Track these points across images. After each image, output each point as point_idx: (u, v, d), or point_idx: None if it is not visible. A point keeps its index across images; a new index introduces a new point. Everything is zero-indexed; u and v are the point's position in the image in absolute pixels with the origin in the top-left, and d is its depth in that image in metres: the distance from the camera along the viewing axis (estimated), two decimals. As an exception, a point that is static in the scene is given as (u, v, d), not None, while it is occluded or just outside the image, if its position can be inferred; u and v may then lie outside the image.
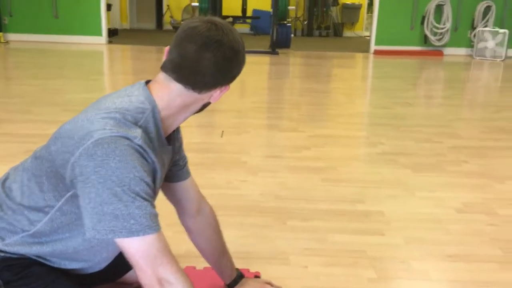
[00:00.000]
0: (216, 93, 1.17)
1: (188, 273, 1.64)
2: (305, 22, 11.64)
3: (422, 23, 8.13)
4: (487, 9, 8.00)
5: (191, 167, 2.55)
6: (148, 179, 1.06)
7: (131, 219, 1.01)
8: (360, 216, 2.13)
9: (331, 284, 1.63)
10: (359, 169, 2.71)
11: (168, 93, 1.13)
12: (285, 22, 8.26)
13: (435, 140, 3.28)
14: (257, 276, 1.64)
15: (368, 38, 9.18)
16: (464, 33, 8.19)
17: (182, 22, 8.47)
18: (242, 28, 10.99)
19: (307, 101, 4.54)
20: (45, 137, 1.32)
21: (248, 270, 1.67)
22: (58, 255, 1.19)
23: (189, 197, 1.43)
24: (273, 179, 2.51)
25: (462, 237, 1.98)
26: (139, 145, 1.06)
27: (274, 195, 2.30)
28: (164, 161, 1.23)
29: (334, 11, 11.66)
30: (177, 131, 1.36)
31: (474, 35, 7.98)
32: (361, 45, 9.42)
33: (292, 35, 8.58)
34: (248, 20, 10.54)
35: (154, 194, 1.14)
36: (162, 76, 1.15)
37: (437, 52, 8.17)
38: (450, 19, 8.03)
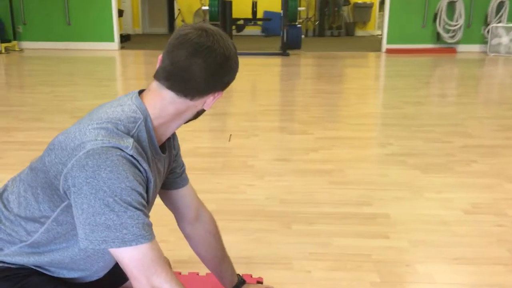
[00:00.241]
0: (209, 100, 1.17)
1: (191, 279, 1.66)
2: (317, 23, 11.61)
3: (434, 20, 8.05)
4: (501, 4, 7.88)
5: (198, 172, 2.57)
6: (140, 189, 1.06)
7: (124, 229, 1.02)
8: (365, 219, 2.11)
9: (333, 289, 1.63)
10: (367, 171, 2.69)
11: (161, 101, 1.14)
12: (296, 23, 8.25)
13: (445, 140, 3.24)
14: (259, 281, 1.64)
15: (380, 37, 9.12)
16: (477, 29, 8.08)
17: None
18: (253, 30, 11.01)
19: (317, 103, 4.52)
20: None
21: (250, 276, 1.67)
22: (56, 265, 1.20)
23: (187, 204, 1.43)
24: (279, 183, 2.50)
25: (469, 239, 1.95)
26: (131, 155, 1.06)
27: (279, 199, 2.30)
28: (160, 169, 1.24)
29: (346, 11, 11.60)
30: (173, 138, 1.36)
31: (488, 31, 7.87)
32: (373, 44, 9.36)
33: (304, 36, 8.57)
34: (259, 22, 10.56)
35: (148, 203, 1.14)
36: (155, 85, 1.15)
37: (450, 50, 8.08)
38: (463, 16, 7.93)
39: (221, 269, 1.50)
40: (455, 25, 7.96)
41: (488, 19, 7.97)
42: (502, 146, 3.13)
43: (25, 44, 8.33)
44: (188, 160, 2.77)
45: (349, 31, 11.75)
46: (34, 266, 1.19)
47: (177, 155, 1.41)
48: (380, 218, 2.12)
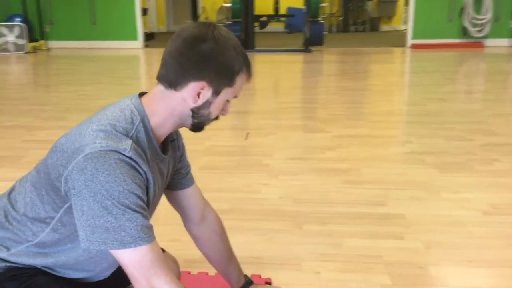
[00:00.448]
0: (193, 90, 1.10)
1: (200, 279, 1.66)
2: (341, 18, 11.49)
3: (461, 14, 7.87)
4: (531, -3, 7.65)
5: (214, 170, 2.57)
6: (139, 191, 1.07)
7: (122, 231, 1.03)
8: (379, 220, 2.08)
9: (343, 290, 1.61)
10: (384, 170, 2.65)
11: (154, 98, 1.15)
12: (318, 19, 8.18)
13: (467, 138, 3.17)
14: (268, 282, 1.63)
15: (405, 32, 8.97)
16: (505, 23, 7.86)
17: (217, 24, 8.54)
18: (276, 27, 10.95)
19: (338, 100, 4.48)
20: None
21: (259, 276, 1.66)
22: (61, 266, 1.22)
23: (193, 205, 1.43)
24: (294, 182, 2.48)
25: (486, 241, 1.90)
26: (129, 157, 1.07)
27: (293, 199, 2.28)
28: (162, 170, 1.24)
29: (370, 6, 11.45)
30: (177, 139, 1.36)
31: (517, 25, 7.65)
32: (398, 39, 9.21)
33: (327, 31, 8.51)
34: (282, 19, 10.51)
35: (149, 205, 1.15)
36: (154, 86, 1.16)
37: (477, 44, 7.88)
38: (490, 9, 7.72)
39: (228, 270, 1.50)
40: (483, 19, 7.76)
41: (518, 12, 7.74)
42: (527, 144, 3.04)
43: (52, 44, 8.51)
44: (204, 159, 2.80)
45: (373, 26, 11.60)
46: (41, 266, 1.21)
47: (182, 155, 1.41)
48: (395, 219, 2.08)
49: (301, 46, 8.08)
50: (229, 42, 1.10)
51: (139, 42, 8.39)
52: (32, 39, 8.14)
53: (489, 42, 7.88)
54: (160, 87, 1.13)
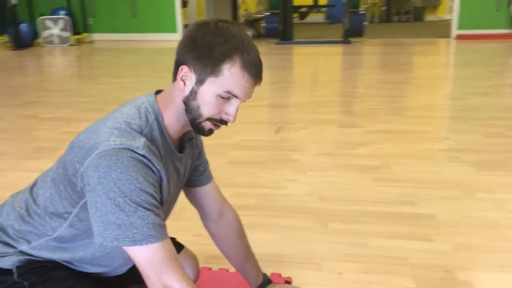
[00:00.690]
0: (178, 75, 1.09)
1: (220, 275, 1.66)
2: (383, 8, 11.22)
3: (510, 4, 7.51)
4: None
5: (242, 165, 2.57)
6: (151, 189, 1.07)
7: (133, 228, 1.04)
8: (407, 220, 2.02)
9: (364, 292, 1.57)
10: (416, 168, 2.57)
11: (165, 95, 1.16)
12: (359, 9, 8.01)
13: (507, 135, 3.03)
14: (288, 281, 1.62)
15: (450, 22, 8.66)
16: (559, 12, 7.46)
17: (255, 15, 8.52)
18: (317, 17, 10.82)
19: (375, 94, 4.38)
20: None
21: (279, 275, 1.65)
22: (78, 260, 1.24)
23: (210, 202, 1.43)
24: (322, 179, 2.45)
25: (520, 245, 1.81)
26: (142, 155, 1.07)
27: (319, 196, 2.25)
28: (178, 168, 1.24)
29: (414, -5, 11.12)
30: (196, 137, 1.36)
31: None
32: (443, 29, 8.91)
33: (369, 22, 8.34)
34: (323, 9, 10.36)
35: (162, 203, 1.15)
36: None
37: (527, 35, 7.52)
38: (542, -2, 7.35)
39: (246, 268, 1.49)
40: (534, 8, 7.39)
41: None
42: None
43: (95, 36, 8.72)
44: (233, 153, 2.80)
45: (418, 16, 11.26)
46: (59, 260, 1.24)
47: (201, 153, 1.40)
48: (424, 219, 2.02)
49: (340, 38, 7.95)
50: (225, 31, 1.04)
51: (178, 34, 8.48)
52: (75, 32, 8.36)
53: (540, 32, 7.51)
54: (171, 83, 1.13)
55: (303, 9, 9.03)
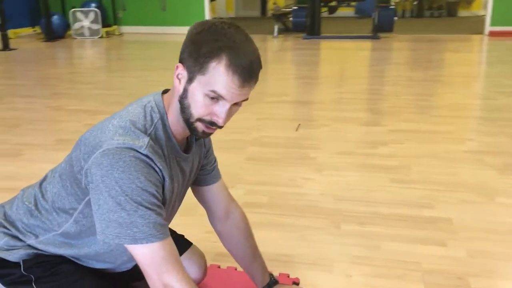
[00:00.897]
0: (175, 72, 1.10)
1: (228, 273, 1.67)
2: (415, 2, 10.98)
3: (547, -1, 7.25)
4: None
5: (258, 162, 2.56)
6: (153, 189, 1.08)
7: (134, 227, 1.05)
8: (423, 223, 1.98)
9: (372, 297, 1.55)
10: (436, 169, 2.51)
11: (171, 94, 1.16)
12: (389, 4, 7.87)
13: (536, 137, 2.93)
14: (295, 282, 1.61)
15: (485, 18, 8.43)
16: None
17: (283, 9, 8.46)
18: (346, 11, 10.67)
19: (400, 91, 4.30)
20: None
21: (288, 276, 1.64)
22: (84, 257, 1.26)
23: (217, 201, 1.43)
24: (338, 178, 2.42)
25: (539, 254, 1.75)
26: (145, 155, 1.08)
27: (334, 196, 2.23)
28: (184, 168, 1.24)
29: (448, -10, 10.85)
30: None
31: None
32: (477, 26, 8.67)
33: (401, 17, 8.19)
34: (353, 3, 10.21)
35: (164, 202, 1.15)
36: None
37: None
38: None
39: (252, 267, 1.48)
40: None
41: None
42: None
43: (124, 29, 8.83)
44: (250, 149, 2.80)
45: (451, 11, 10.99)
46: (65, 255, 1.26)
47: (208, 152, 1.40)
48: (441, 223, 1.98)
49: (369, 33, 7.83)
50: (219, 30, 1.03)
51: (206, 27, 8.50)
52: (105, 24, 8.49)
53: None
54: None
55: (333, 3, 8.92)
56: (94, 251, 1.24)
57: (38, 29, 8.48)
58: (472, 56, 6.44)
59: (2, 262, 1.23)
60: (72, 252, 1.25)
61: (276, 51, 7.05)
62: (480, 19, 9.69)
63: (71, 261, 1.27)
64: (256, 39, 8.02)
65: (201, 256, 1.54)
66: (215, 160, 1.44)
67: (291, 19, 8.20)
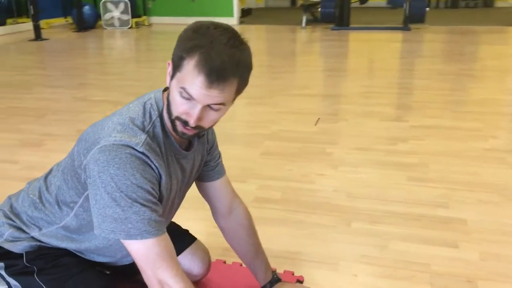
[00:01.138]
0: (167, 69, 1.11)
1: (233, 269, 1.67)
2: (450, -7, 10.68)
3: None
4: None
5: (274, 157, 2.55)
6: (148, 186, 1.09)
7: (128, 223, 1.06)
8: (437, 223, 1.93)
9: (376, 298, 1.53)
10: (455, 168, 2.45)
11: (169, 92, 1.15)
12: (421, -5, 7.67)
13: None
14: (299, 281, 1.60)
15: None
16: None
17: (312, 0, 8.36)
18: (378, 1, 10.46)
19: (427, 85, 4.20)
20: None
21: (292, 273, 1.63)
22: (85, 251, 1.29)
23: (220, 198, 1.43)
24: (353, 175, 2.39)
25: (556, 259, 1.69)
26: (141, 152, 1.09)
27: (347, 193, 2.20)
28: (183, 165, 1.25)
29: (485, -21, 10.49)
30: (207, 133, 1.36)
31: None
32: (513, 17, 8.37)
33: (434, 7, 7.97)
34: (385, -6, 10.00)
35: (161, 199, 1.16)
36: None
37: None
38: None
39: (254, 264, 1.48)
40: None
41: None
42: None
43: (154, 19, 8.91)
44: (267, 143, 2.80)
45: (487, 2, 10.64)
46: (67, 249, 1.29)
47: (212, 148, 1.40)
48: (455, 224, 1.93)
49: (400, 24, 7.66)
50: (202, 30, 1.02)
51: (235, 18, 8.49)
52: (135, 15, 8.58)
53: None
54: None
55: (363, -7, 8.76)
56: (94, 246, 1.26)
57: (70, 20, 8.65)
58: (508, 49, 6.22)
59: (7, 253, 1.27)
60: (73, 246, 1.28)
61: (303, 43, 6.99)
62: (518, 10, 9.35)
63: (72, 254, 1.30)
64: (285, 30, 7.99)
65: (204, 251, 1.55)
66: (220, 156, 1.44)
67: (319, 9, 8.10)
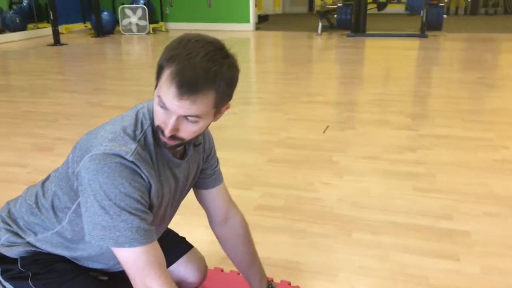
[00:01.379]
0: None
1: (231, 278, 1.67)
2: None
3: None
4: None
5: (279, 164, 2.55)
6: (137, 195, 1.10)
7: (117, 231, 1.08)
8: (439, 235, 1.91)
9: (372, 310, 1.51)
10: (462, 179, 2.42)
11: None
12: (439, 1, 7.60)
13: None
14: (295, 290, 1.59)
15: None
16: None
17: (329, 6, 8.35)
18: (396, 8, 10.40)
19: (439, 94, 4.15)
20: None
21: (289, 283, 1.63)
22: (78, 258, 1.31)
23: (216, 206, 1.43)
24: (358, 184, 2.37)
25: (560, 275, 1.65)
26: (130, 161, 1.10)
27: (351, 202, 2.19)
28: (176, 174, 1.25)
29: (505, -14, 10.35)
30: (204, 141, 1.36)
31: None
32: (533, 24, 8.23)
33: (447, 16, 7.87)
34: (403, 0, 9.94)
35: (151, 207, 1.17)
36: None
37: None
38: None
39: (249, 273, 1.48)
40: None
41: None
42: None
43: (171, 25, 9.00)
44: (275, 150, 2.80)
45: (508, 9, 10.48)
46: (61, 255, 1.31)
47: (209, 156, 1.40)
48: (457, 236, 1.90)
49: (417, 31, 7.60)
50: (183, 42, 1.03)
51: (250, 24, 8.53)
52: (153, 20, 8.68)
53: None
54: None
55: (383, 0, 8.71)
56: (87, 253, 1.28)
57: (89, 25, 8.79)
58: (525, 57, 6.12)
59: (3, 257, 1.29)
60: (67, 253, 1.29)
61: (319, 49, 6.98)
62: (539, 17, 9.20)
63: (67, 259, 1.32)
64: (301, 36, 7.99)
65: (200, 259, 1.56)
66: (217, 165, 1.45)
67: (335, 16, 8.09)
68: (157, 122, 1.09)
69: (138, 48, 7.36)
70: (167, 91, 1.02)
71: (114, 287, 1.38)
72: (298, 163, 2.64)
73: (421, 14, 7.39)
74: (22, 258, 1.28)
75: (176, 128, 1.06)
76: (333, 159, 2.68)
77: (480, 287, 1.60)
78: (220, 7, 8.60)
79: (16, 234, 1.30)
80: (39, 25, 8.31)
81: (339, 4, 8.01)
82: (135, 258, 1.09)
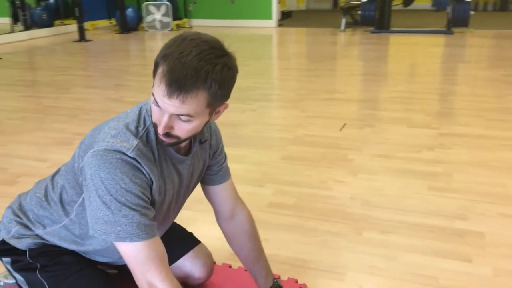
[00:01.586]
0: None
1: (238, 274, 1.68)
2: (499, -5, 10.30)
3: None
4: None
5: (294, 161, 2.54)
6: (138, 190, 1.11)
7: (118, 226, 1.09)
8: (452, 236, 1.88)
9: (378, 310, 1.50)
10: (480, 179, 2.37)
11: None
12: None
13: None
14: (302, 288, 1.59)
15: None
16: None
17: (353, 2, 8.27)
18: (423, 4, 10.22)
19: (462, 91, 4.07)
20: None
21: (295, 281, 1.63)
22: (84, 251, 1.33)
23: (222, 202, 1.44)
24: (372, 182, 2.35)
25: None
26: (132, 157, 1.11)
27: (363, 201, 2.17)
28: (180, 170, 1.26)
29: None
30: (210, 138, 1.37)
31: None
32: None
33: (474, 12, 7.70)
34: (429, -4, 9.76)
35: (153, 203, 1.19)
36: None
37: None
38: None
39: (254, 269, 1.49)
40: None
41: None
42: None
43: (194, 22, 9.05)
44: (290, 147, 2.80)
45: (539, 5, 10.18)
46: (68, 249, 1.34)
47: (216, 153, 1.41)
48: (471, 237, 1.87)
49: (443, 27, 7.46)
50: (178, 41, 1.03)
51: (273, 21, 8.51)
52: (176, 17, 8.74)
53: None
54: None
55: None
56: (93, 248, 1.31)
57: (114, 21, 8.91)
58: (554, 54, 5.94)
59: (13, 249, 1.33)
60: (75, 247, 1.32)
61: (342, 46, 6.92)
62: None
63: (74, 252, 1.35)
64: (324, 32, 7.93)
65: (207, 255, 1.57)
66: (224, 161, 1.45)
67: (359, 12, 8.01)
68: (153, 119, 1.10)
69: (161, 44, 7.35)
70: (158, 89, 1.03)
71: (122, 280, 1.40)
72: (313, 160, 2.63)
73: (448, 10, 7.25)
74: (30, 250, 1.31)
75: (169, 126, 1.07)
76: (348, 157, 2.66)
77: (491, 290, 1.57)
78: (243, 3, 8.61)
79: (26, 226, 1.34)
80: (66, 22, 8.47)
81: (363, 0, 7.92)
82: (136, 253, 1.10)
